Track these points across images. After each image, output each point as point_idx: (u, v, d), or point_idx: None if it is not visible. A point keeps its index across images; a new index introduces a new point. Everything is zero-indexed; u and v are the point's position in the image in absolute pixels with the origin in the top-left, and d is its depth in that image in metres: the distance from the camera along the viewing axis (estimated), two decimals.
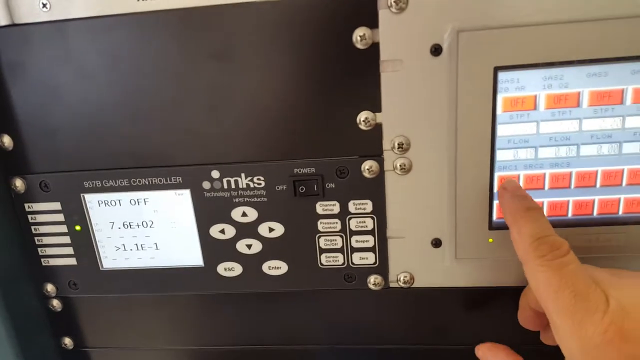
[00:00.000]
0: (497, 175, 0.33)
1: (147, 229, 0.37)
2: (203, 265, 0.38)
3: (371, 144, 0.33)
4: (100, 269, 0.39)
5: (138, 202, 0.36)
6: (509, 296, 0.36)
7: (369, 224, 0.35)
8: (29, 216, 0.38)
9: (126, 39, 0.32)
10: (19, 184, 0.37)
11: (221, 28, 0.31)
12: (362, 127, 0.32)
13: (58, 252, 0.39)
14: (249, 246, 0.37)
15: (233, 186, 0.35)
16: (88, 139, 0.35)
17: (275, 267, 0.37)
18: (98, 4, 0.32)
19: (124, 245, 0.38)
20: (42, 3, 0.32)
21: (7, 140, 0.35)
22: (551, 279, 0.26)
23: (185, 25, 0.31)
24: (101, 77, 0.33)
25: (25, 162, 0.36)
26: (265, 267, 0.37)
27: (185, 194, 0.36)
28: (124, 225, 0.37)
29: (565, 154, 0.32)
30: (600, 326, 0.25)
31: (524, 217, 0.29)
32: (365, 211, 0.35)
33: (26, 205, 0.37)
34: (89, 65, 0.33)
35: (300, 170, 0.34)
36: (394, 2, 0.29)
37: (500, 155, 0.32)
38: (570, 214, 0.33)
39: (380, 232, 0.35)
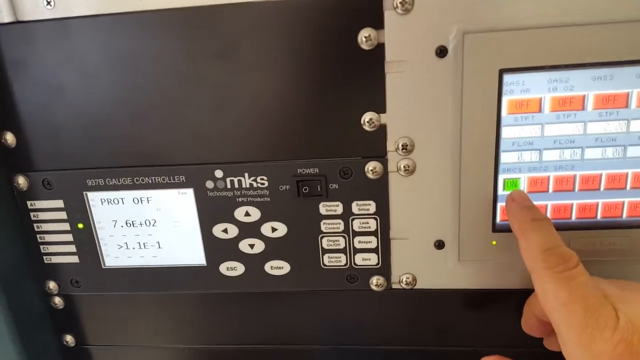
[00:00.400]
0: (501, 177, 0.32)
1: (150, 227, 0.37)
2: (205, 265, 0.38)
3: (375, 144, 0.33)
4: (103, 267, 0.39)
5: (141, 200, 0.36)
6: (512, 299, 0.36)
7: (372, 225, 0.35)
8: (32, 214, 0.38)
9: (129, 38, 0.32)
10: (21, 181, 0.36)
11: (227, 27, 0.31)
12: (367, 127, 0.32)
13: (60, 250, 0.39)
14: (252, 246, 0.37)
15: (236, 186, 0.35)
16: (91, 136, 0.35)
17: (278, 267, 0.37)
18: (102, 2, 0.31)
19: (126, 243, 0.38)
20: (47, 1, 0.32)
21: (9, 138, 0.35)
22: (560, 292, 0.26)
23: (189, 24, 0.31)
24: (104, 75, 0.33)
25: (28, 159, 0.36)
26: (267, 267, 0.37)
27: (189, 193, 0.36)
28: (126, 223, 0.37)
29: (569, 156, 0.32)
30: (611, 343, 0.24)
31: (532, 227, 0.28)
32: (369, 212, 0.35)
33: (29, 202, 0.37)
34: (92, 63, 0.33)
35: (303, 171, 0.34)
36: (400, 3, 0.29)
37: (504, 158, 0.32)
38: (574, 217, 0.33)
39: (383, 233, 0.35)
